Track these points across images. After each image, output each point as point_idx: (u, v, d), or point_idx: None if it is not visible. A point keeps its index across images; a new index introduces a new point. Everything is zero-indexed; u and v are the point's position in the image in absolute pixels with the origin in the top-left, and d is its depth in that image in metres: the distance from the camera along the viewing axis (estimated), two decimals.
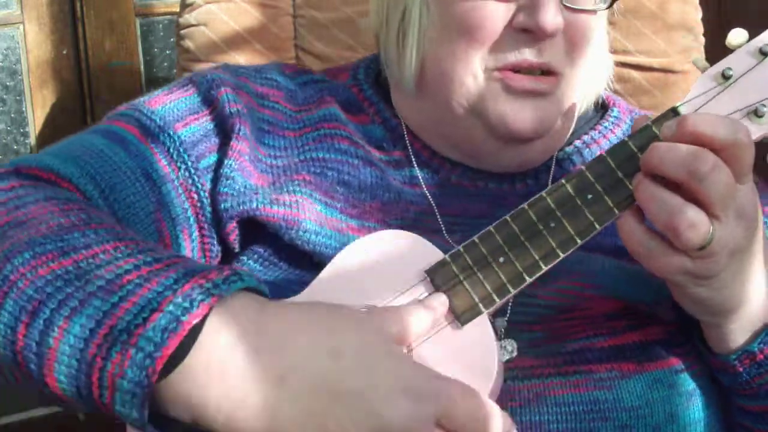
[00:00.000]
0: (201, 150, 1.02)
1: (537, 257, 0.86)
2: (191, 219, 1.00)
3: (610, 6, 1.04)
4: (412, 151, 1.09)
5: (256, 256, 1.01)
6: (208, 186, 1.01)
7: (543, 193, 0.87)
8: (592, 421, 0.92)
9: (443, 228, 1.04)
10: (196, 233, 1.01)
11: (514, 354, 0.94)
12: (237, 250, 1.03)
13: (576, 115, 1.10)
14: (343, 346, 0.75)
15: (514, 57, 0.99)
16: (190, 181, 1.00)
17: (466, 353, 0.83)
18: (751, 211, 0.85)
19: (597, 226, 0.86)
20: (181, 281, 0.73)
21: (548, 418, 0.92)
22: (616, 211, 0.86)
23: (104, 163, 0.97)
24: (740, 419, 1.00)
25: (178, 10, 1.53)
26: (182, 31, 1.50)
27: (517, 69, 1.00)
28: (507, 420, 0.79)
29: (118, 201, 0.95)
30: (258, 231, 1.01)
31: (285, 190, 1.01)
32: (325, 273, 0.88)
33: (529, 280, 0.86)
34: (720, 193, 0.81)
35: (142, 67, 1.84)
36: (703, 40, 1.48)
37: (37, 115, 1.80)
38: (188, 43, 1.49)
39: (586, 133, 1.12)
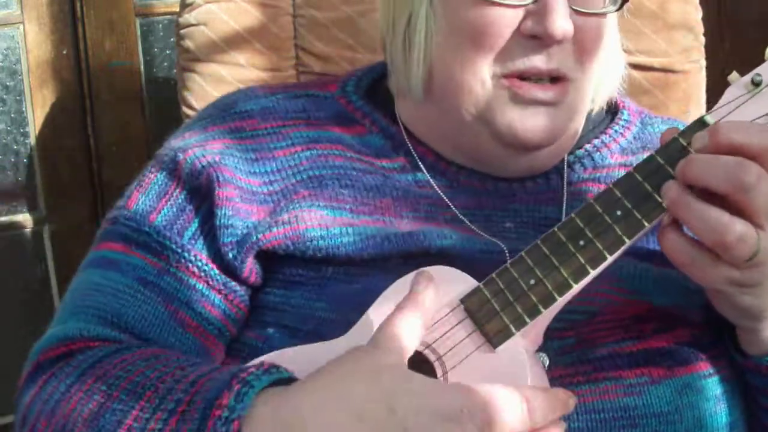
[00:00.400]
0: (180, 225, 1.03)
1: (566, 275, 0.86)
2: (204, 290, 1.01)
3: (620, 8, 1.03)
4: (416, 155, 1.08)
5: (277, 282, 1.02)
6: (204, 252, 1.01)
7: (573, 214, 0.88)
8: (621, 428, 0.92)
9: (461, 217, 1.04)
10: (217, 298, 1.01)
11: (545, 368, 0.93)
12: (261, 284, 1.03)
13: (584, 118, 1.10)
14: (365, 408, 0.76)
15: (522, 63, 0.99)
16: (182, 260, 1.01)
17: (500, 375, 0.84)
18: None
19: (626, 240, 0.86)
20: (204, 424, 0.79)
21: (578, 425, 0.92)
22: (646, 224, 0.86)
23: (104, 296, 1.00)
24: (766, 421, 1.00)
25: (178, 10, 1.53)
26: (182, 31, 1.49)
27: (525, 76, 0.99)
28: (556, 397, 0.81)
29: (129, 323, 0.98)
30: (274, 256, 1.01)
31: (285, 210, 1.01)
32: (369, 311, 0.90)
33: (559, 299, 0.87)
34: (764, 203, 0.81)
35: (142, 67, 1.84)
36: (703, 39, 1.48)
37: (37, 115, 1.80)
38: (188, 43, 1.49)
39: (596, 137, 1.12)
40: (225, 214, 1.00)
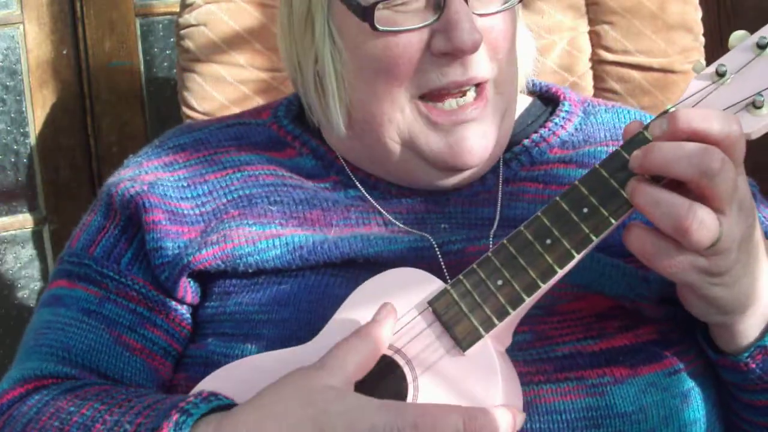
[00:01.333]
0: (117, 253, 1.05)
1: (534, 276, 0.85)
2: (146, 313, 1.03)
3: None
4: (347, 173, 1.08)
5: (213, 296, 1.03)
6: (141, 276, 1.04)
7: (539, 213, 0.87)
8: (584, 428, 0.91)
9: (394, 222, 1.03)
10: (158, 319, 1.03)
11: None
12: (199, 300, 1.05)
13: (514, 112, 1.08)
14: (297, 429, 0.79)
15: (438, 81, 0.97)
16: (121, 286, 1.04)
17: (471, 379, 0.84)
18: (749, 200, 0.85)
19: (594, 237, 0.85)
20: None
21: (539, 426, 0.91)
22: (613, 221, 0.85)
23: (54, 332, 1.03)
24: (743, 413, 0.99)
25: (178, 10, 1.53)
26: (182, 31, 1.49)
27: (445, 91, 0.98)
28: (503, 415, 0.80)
29: (79, 354, 1.01)
30: (207, 275, 1.03)
31: (215, 231, 1.03)
32: (336, 317, 0.90)
33: (527, 299, 0.86)
34: (727, 189, 0.80)
35: (142, 67, 1.84)
36: (703, 40, 1.48)
37: (37, 115, 1.79)
38: (188, 43, 1.49)
39: (535, 132, 1.10)
40: (153, 237, 1.03)
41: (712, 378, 0.99)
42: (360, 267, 0.98)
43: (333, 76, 1.02)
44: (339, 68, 1.02)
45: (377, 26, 0.96)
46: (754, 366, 0.92)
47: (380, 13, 0.96)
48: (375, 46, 0.97)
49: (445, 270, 0.98)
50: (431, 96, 0.99)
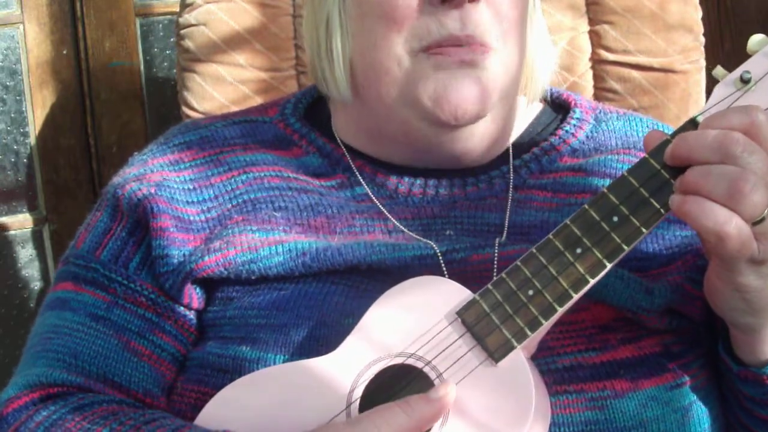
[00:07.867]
0: (125, 257, 1.05)
1: (566, 286, 0.85)
2: (154, 319, 1.03)
3: None
4: (353, 170, 1.08)
5: (216, 300, 1.03)
6: (150, 281, 1.03)
7: (567, 221, 0.86)
8: None
9: (400, 227, 1.03)
10: (167, 324, 1.03)
11: None
12: (204, 305, 1.04)
13: (518, 105, 1.08)
14: None
15: (437, 33, 0.98)
16: (129, 291, 1.03)
17: (503, 390, 0.84)
18: None
19: (625, 247, 0.85)
20: None
21: None
22: (644, 230, 0.85)
23: (60, 337, 1.02)
24: (751, 425, 0.98)
25: (178, 10, 1.53)
26: (182, 31, 1.50)
27: (444, 46, 0.98)
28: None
29: (86, 361, 1.00)
30: (211, 281, 1.03)
31: (218, 237, 1.02)
32: (359, 326, 0.90)
33: (560, 310, 0.85)
34: (761, 170, 0.80)
35: (142, 67, 1.84)
36: (703, 40, 1.48)
37: (37, 115, 1.79)
38: (188, 43, 1.49)
39: (545, 140, 1.10)
40: (160, 244, 1.02)
41: (715, 392, 0.98)
42: (362, 275, 0.98)
43: (338, 30, 1.04)
44: (344, 19, 1.03)
45: None
46: None
47: None
48: None
49: (447, 278, 0.97)
50: (431, 48, 0.99)
